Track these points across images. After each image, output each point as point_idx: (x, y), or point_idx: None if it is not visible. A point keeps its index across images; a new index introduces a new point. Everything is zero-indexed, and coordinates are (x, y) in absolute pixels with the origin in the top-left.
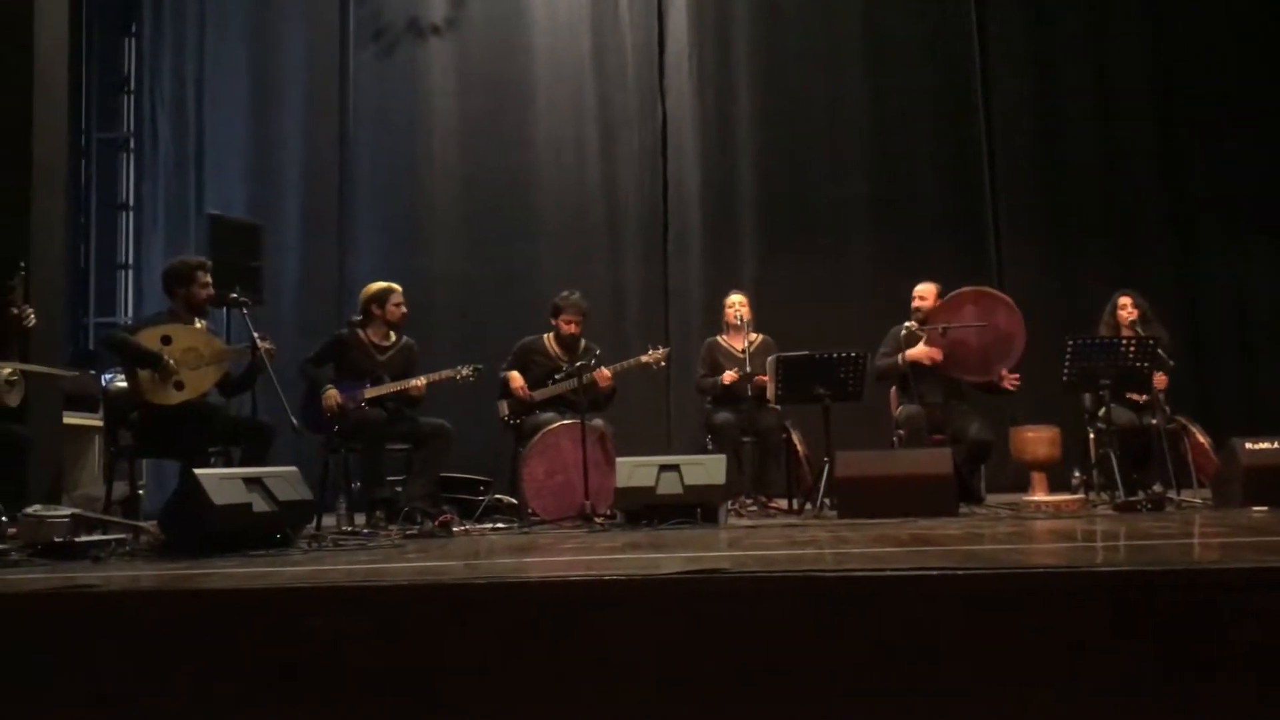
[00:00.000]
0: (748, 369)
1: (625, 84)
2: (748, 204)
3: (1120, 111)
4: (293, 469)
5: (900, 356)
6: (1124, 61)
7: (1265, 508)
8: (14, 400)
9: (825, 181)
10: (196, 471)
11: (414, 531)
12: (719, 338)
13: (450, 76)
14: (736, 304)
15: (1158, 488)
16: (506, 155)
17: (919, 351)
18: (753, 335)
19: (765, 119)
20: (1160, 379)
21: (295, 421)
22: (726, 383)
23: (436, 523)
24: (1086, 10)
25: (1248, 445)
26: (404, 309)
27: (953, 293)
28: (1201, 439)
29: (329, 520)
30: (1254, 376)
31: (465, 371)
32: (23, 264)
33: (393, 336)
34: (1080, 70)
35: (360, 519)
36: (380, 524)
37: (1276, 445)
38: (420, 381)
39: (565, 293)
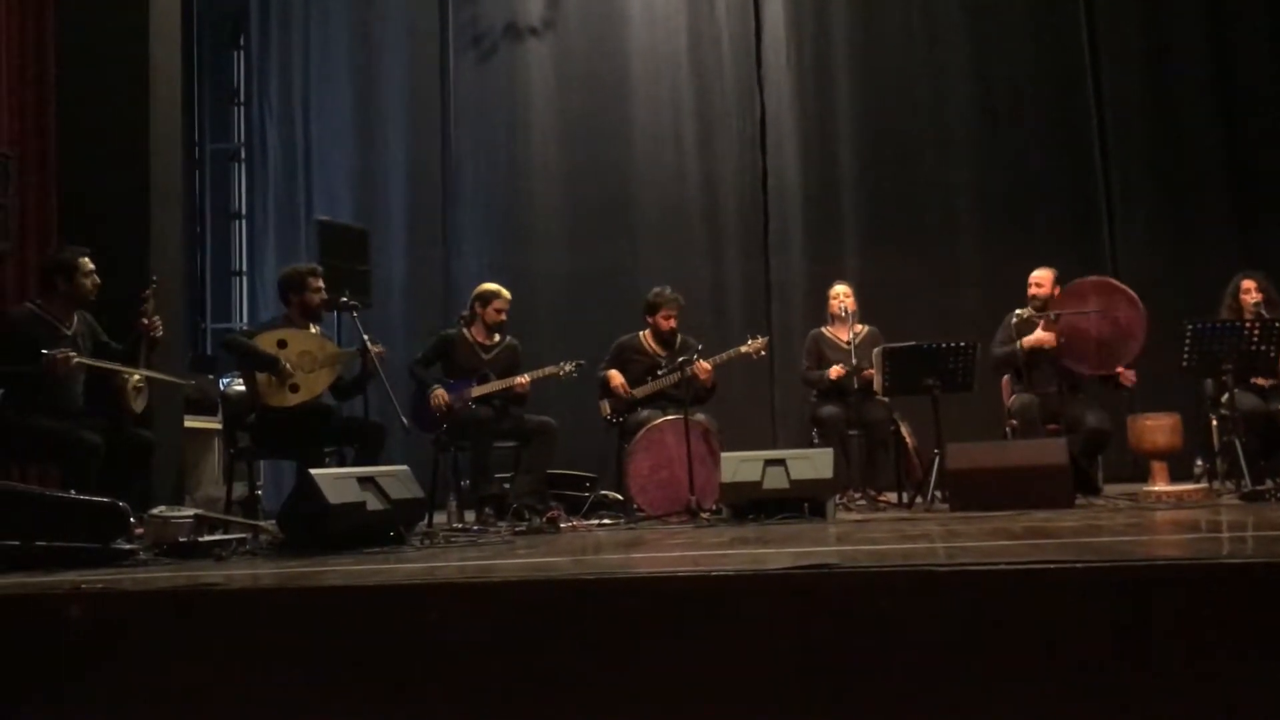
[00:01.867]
0: (854, 361)
1: (723, 76)
2: (850, 194)
3: (1239, 82)
4: (404, 468)
5: (1018, 344)
6: (1244, 23)
7: None
8: (140, 406)
9: (929, 168)
10: (312, 471)
11: (523, 528)
12: (824, 329)
13: (549, 77)
14: (841, 295)
15: None
16: (605, 152)
17: (1035, 337)
18: (858, 326)
19: (866, 107)
20: None
21: (405, 421)
22: (834, 378)
23: (544, 519)
24: None
25: None
26: (504, 316)
27: (1074, 281)
28: None
29: (440, 518)
30: None
31: (568, 368)
32: (155, 277)
33: (497, 336)
34: (1195, 38)
35: (470, 516)
36: (490, 521)
37: None
38: (524, 379)
39: (658, 289)
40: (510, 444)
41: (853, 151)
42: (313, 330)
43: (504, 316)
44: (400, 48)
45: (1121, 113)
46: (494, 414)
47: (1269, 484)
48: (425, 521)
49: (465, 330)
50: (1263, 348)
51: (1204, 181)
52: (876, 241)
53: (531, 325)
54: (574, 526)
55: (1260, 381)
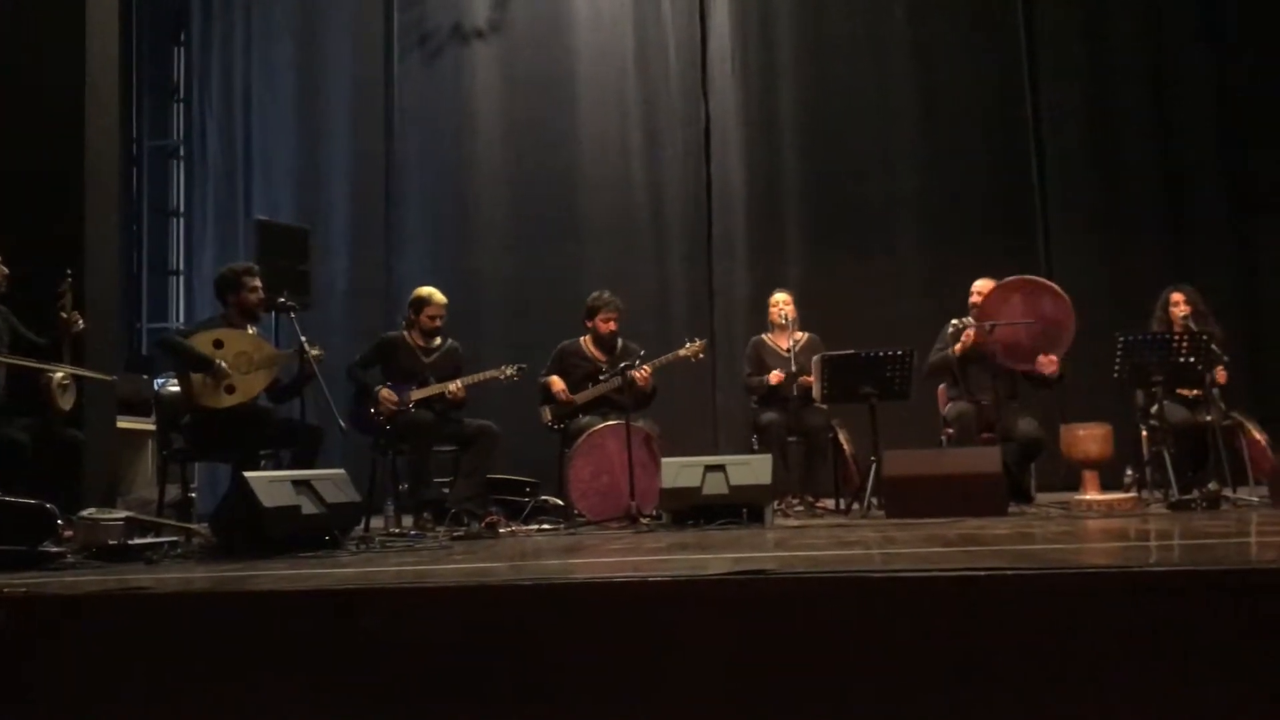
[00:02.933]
0: (793, 368)
1: (668, 83)
2: (793, 202)
3: (1175, 100)
4: (340, 471)
5: (950, 350)
6: (1179, 43)
7: None
8: (67, 404)
9: (872, 178)
10: (246, 474)
11: (461, 533)
12: (764, 336)
13: (494, 79)
14: (781, 303)
15: (1213, 486)
16: (551, 156)
17: (966, 341)
18: (798, 334)
19: (810, 116)
20: (1220, 373)
21: (342, 424)
22: (773, 383)
23: (483, 524)
24: (1138, 9)
25: None
26: (438, 323)
27: (1000, 282)
28: (1258, 435)
29: (377, 522)
30: None
31: (509, 371)
32: (69, 271)
33: (437, 339)
34: (1132, 56)
35: (408, 521)
36: (428, 525)
37: None
38: (455, 385)
39: (597, 293)
40: (450, 448)
41: (796, 160)
42: (250, 331)
43: (438, 323)
44: (344, 47)
45: (1059, 128)
46: (434, 418)
47: (1196, 494)
48: (362, 526)
49: (406, 333)
50: (1191, 360)
51: (1137, 197)
52: (819, 249)
53: (475, 328)
54: (513, 532)
55: (1188, 393)
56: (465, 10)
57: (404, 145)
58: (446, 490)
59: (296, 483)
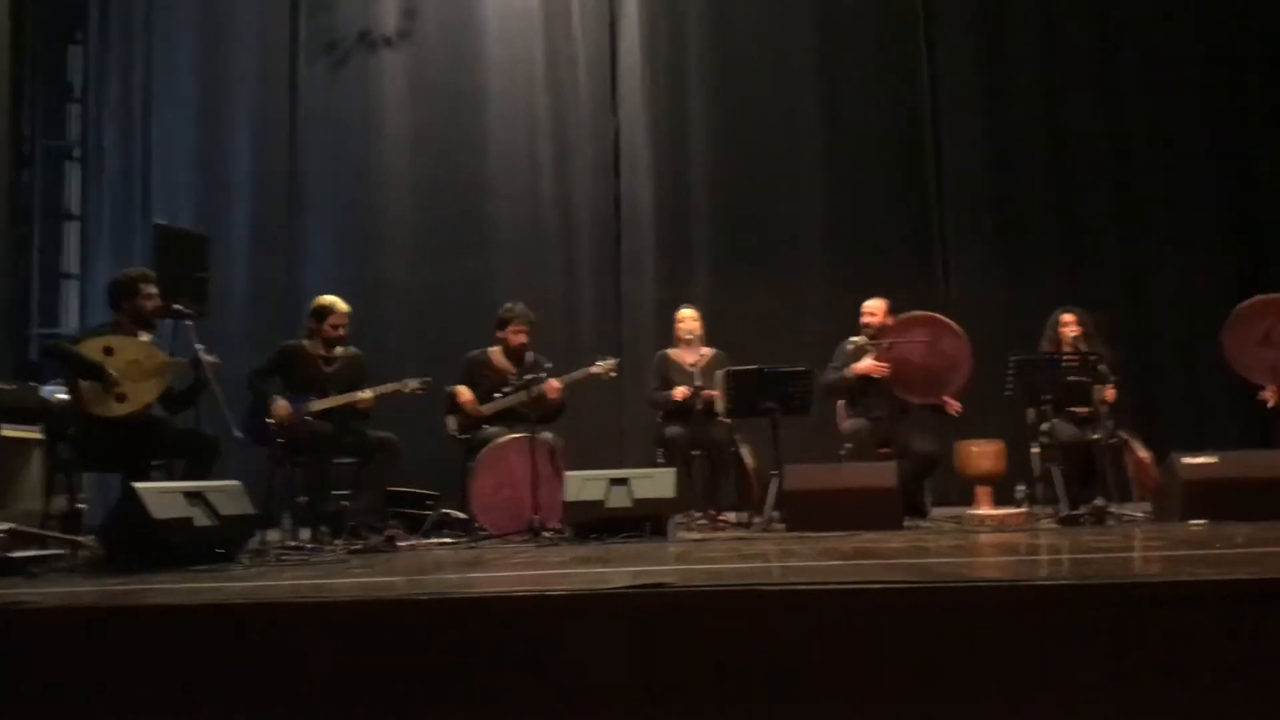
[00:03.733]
0: (698, 383)
1: (578, 98)
2: (701, 219)
3: (1070, 132)
4: (236, 483)
5: (847, 370)
6: (1075, 80)
7: (1203, 521)
8: None
9: (778, 198)
10: (136, 485)
11: (359, 546)
12: (670, 351)
13: (402, 88)
14: (688, 319)
15: (1100, 502)
16: (459, 167)
17: (865, 365)
18: (704, 349)
19: (718, 135)
20: (1109, 392)
21: (238, 434)
22: (678, 399)
23: (382, 537)
24: (1037, 27)
25: (1186, 460)
26: (341, 332)
27: (904, 315)
28: (1143, 453)
29: (273, 535)
30: (1195, 392)
31: (413, 384)
32: None
33: (339, 349)
34: (1029, 89)
35: (305, 534)
36: (325, 539)
37: (1214, 460)
38: (367, 394)
39: (509, 304)
40: (350, 460)
41: (704, 178)
42: (143, 338)
43: (341, 333)
44: (249, 51)
45: (958, 154)
46: (334, 429)
47: (1084, 509)
48: (257, 539)
49: (307, 342)
50: (1080, 379)
51: (1032, 221)
52: (725, 266)
53: (379, 338)
54: (413, 545)
55: (1078, 411)
56: (374, 18)
57: (309, 152)
58: (345, 503)
59: (189, 494)
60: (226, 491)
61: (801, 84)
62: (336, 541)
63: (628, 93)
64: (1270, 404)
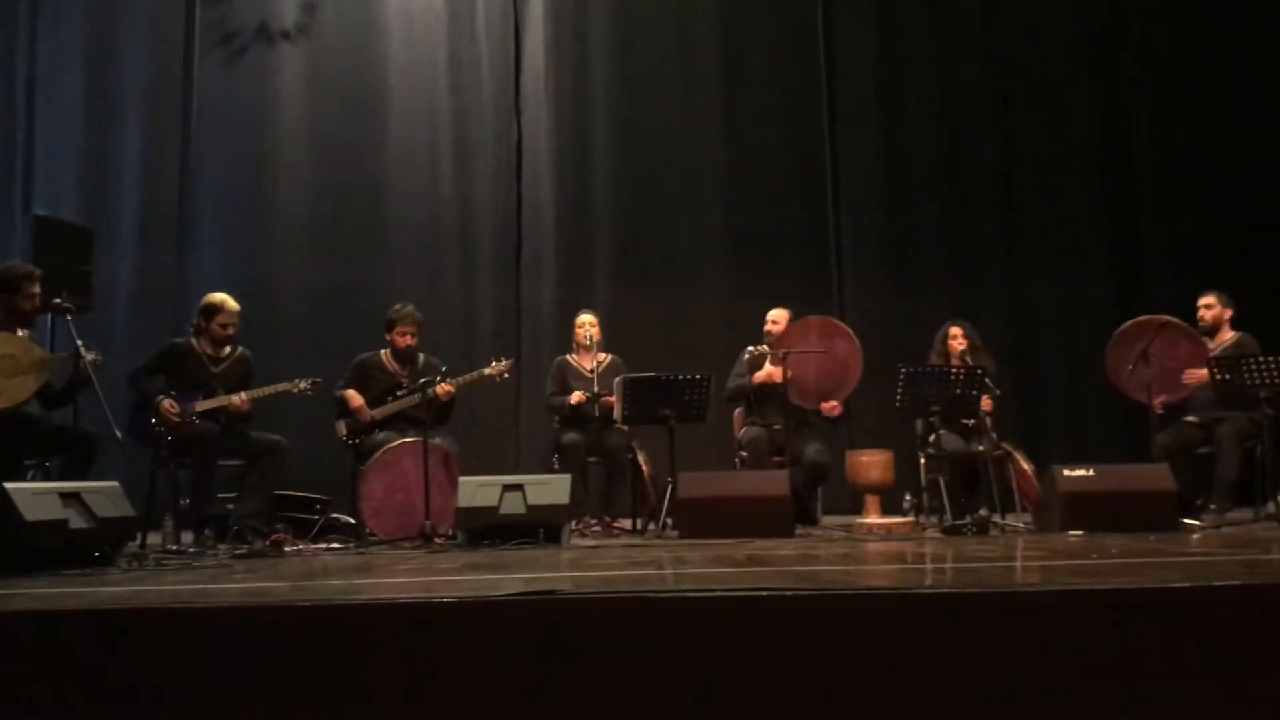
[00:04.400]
0: (595, 389)
1: (481, 100)
2: (602, 224)
3: (961, 152)
4: (114, 484)
5: (750, 377)
6: (967, 104)
7: (1081, 532)
8: None
9: (678, 206)
10: (8, 485)
11: (243, 551)
12: (568, 357)
13: (300, 84)
14: (586, 324)
15: (983, 512)
16: (358, 166)
17: (765, 372)
18: (602, 355)
19: (621, 142)
20: (986, 403)
21: (119, 434)
22: (575, 403)
23: (268, 542)
24: (932, 53)
25: (1066, 472)
26: (230, 331)
27: (800, 320)
28: (1025, 465)
29: (154, 539)
30: (1076, 406)
31: (303, 385)
32: None
33: (227, 348)
34: (923, 110)
35: (188, 537)
36: (209, 543)
37: (1092, 473)
38: (240, 398)
39: (397, 305)
40: (236, 462)
41: (607, 184)
42: (19, 334)
43: (230, 332)
44: (141, 38)
45: (854, 171)
46: (220, 430)
47: (968, 519)
48: (137, 542)
49: (194, 341)
50: (966, 391)
51: (924, 238)
52: (625, 273)
53: (271, 338)
54: (299, 550)
55: (964, 423)
56: (272, 11)
57: (202, 146)
58: (230, 506)
59: (65, 495)
60: (104, 493)
61: (704, 95)
62: (220, 546)
63: (531, 97)
64: (1159, 411)
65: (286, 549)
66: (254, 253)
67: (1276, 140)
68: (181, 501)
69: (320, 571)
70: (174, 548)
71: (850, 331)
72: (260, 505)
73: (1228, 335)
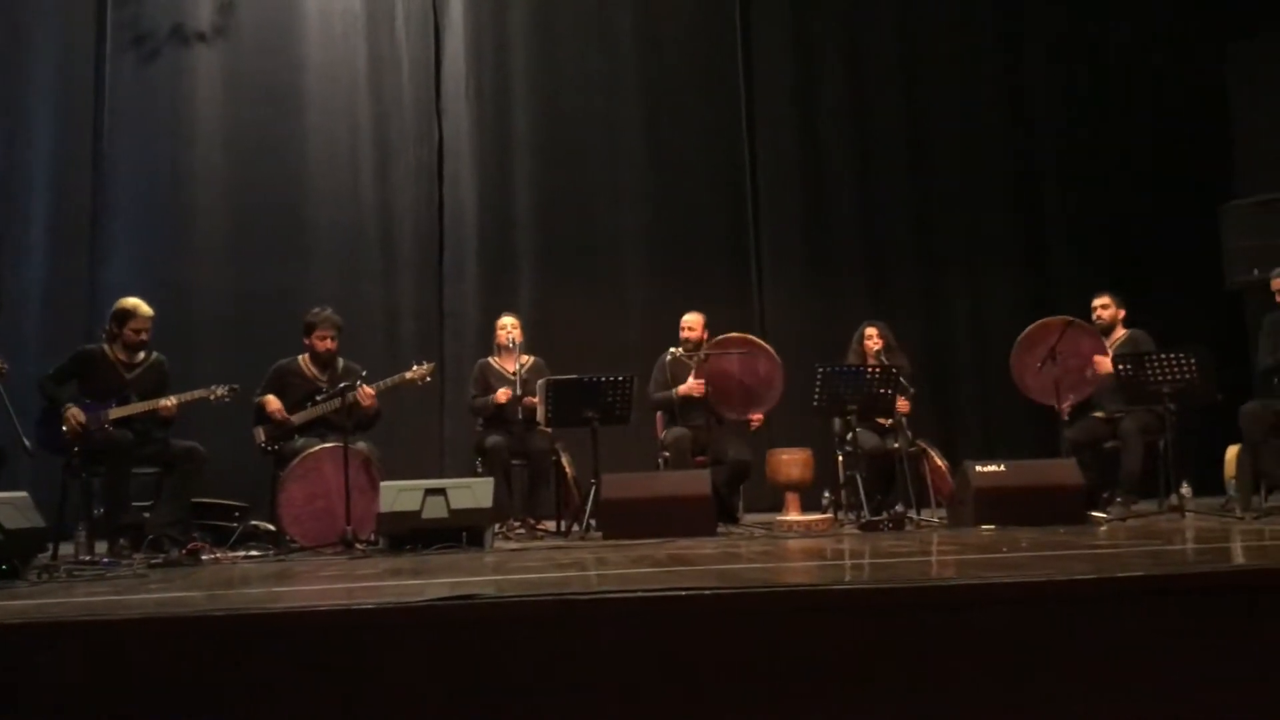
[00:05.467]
0: (519, 391)
1: (402, 102)
2: (525, 228)
3: (877, 157)
4: (23, 494)
5: (674, 391)
6: (883, 109)
7: (993, 526)
8: None
9: (600, 208)
10: None
11: (159, 560)
12: (490, 359)
13: (217, 85)
14: (509, 326)
15: (899, 508)
16: (276, 168)
17: (688, 386)
18: (524, 357)
19: (543, 145)
20: (902, 403)
21: (28, 443)
22: (501, 401)
23: (185, 551)
24: (849, 60)
25: (978, 468)
26: (143, 336)
27: (722, 335)
28: (940, 462)
29: (67, 549)
30: (988, 403)
31: (220, 391)
32: None
33: (141, 354)
34: (841, 114)
35: (102, 548)
36: (124, 553)
37: (1003, 468)
38: (170, 401)
39: (316, 309)
40: (152, 470)
41: (529, 187)
42: None
43: (144, 337)
44: (50, 37)
45: (772, 176)
46: (134, 437)
47: (884, 515)
48: (48, 554)
49: (107, 346)
50: (882, 390)
51: (841, 241)
52: (548, 275)
53: (187, 343)
54: (217, 559)
55: (880, 421)
56: (187, 12)
57: (114, 147)
58: (146, 515)
59: None
60: (12, 503)
61: (624, 97)
62: (135, 555)
63: (452, 99)
64: (1066, 416)
65: (204, 557)
66: (169, 256)
67: (1169, 151)
68: (95, 511)
69: (238, 580)
70: (87, 558)
71: (773, 352)
72: (177, 513)
73: (1121, 332)
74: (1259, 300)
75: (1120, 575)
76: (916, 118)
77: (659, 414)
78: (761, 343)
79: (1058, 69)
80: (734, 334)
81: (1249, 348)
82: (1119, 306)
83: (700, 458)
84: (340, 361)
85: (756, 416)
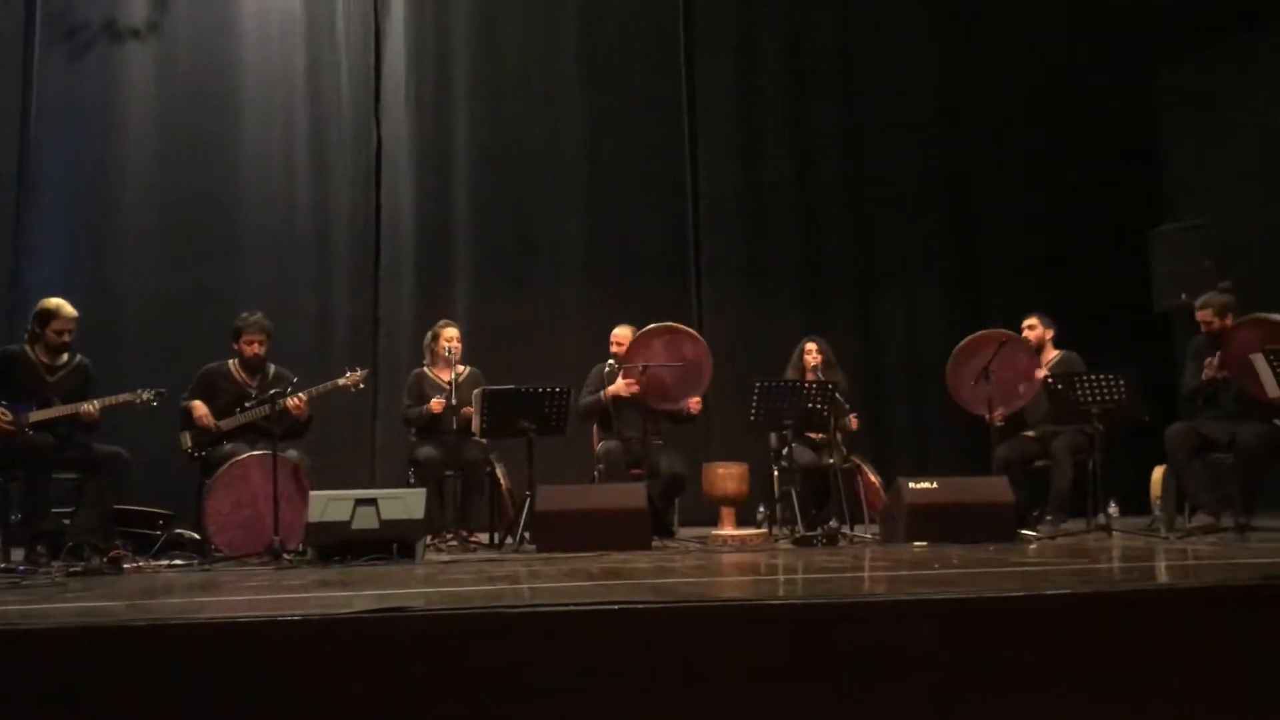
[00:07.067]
0: (453, 401)
1: (340, 106)
2: (463, 235)
3: (815, 172)
4: None
5: (602, 393)
6: (821, 124)
7: (925, 542)
8: None
9: (539, 217)
10: None
11: (79, 569)
12: (426, 369)
13: (149, 83)
14: (453, 338)
15: (833, 523)
16: (209, 169)
17: (618, 386)
18: (461, 368)
19: (482, 152)
20: (853, 421)
21: None
22: (435, 411)
23: (105, 559)
24: (790, 76)
25: (911, 484)
26: (66, 338)
27: (641, 330)
28: (873, 478)
29: None
30: (922, 420)
31: (146, 395)
32: None
33: (65, 356)
34: (780, 131)
35: (19, 554)
36: (41, 560)
37: (935, 485)
38: (93, 405)
39: (245, 313)
40: (73, 475)
41: (468, 194)
42: None
43: (66, 339)
44: None
45: (713, 191)
46: (56, 441)
47: (819, 530)
48: None
49: (28, 348)
50: (818, 406)
51: (781, 256)
52: (486, 283)
53: (113, 346)
54: (139, 568)
55: (815, 436)
56: (120, 8)
57: (42, 145)
58: (66, 521)
59: None
60: None
61: (566, 105)
62: (54, 563)
63: (391, 104)
64: (998, 423)
65: (125, 566)
66: (96, 256)
67: (1102, 175)
68: (12, 516)
69: (161, 589)
70: (2, 566)
71: (692, 331)
72: (98, 520)
73: (1052, 353)
74: (1187, 324)
75: (1048, 593)
76: (855, 135)
77: (595, 426)
78: (680, 326)
79: (993, 93)
80: (653, 325)
81: (1177, 370)
82: (1046, 327)
83: (636, 470)
84: (271, 367)
85: (694, 401)
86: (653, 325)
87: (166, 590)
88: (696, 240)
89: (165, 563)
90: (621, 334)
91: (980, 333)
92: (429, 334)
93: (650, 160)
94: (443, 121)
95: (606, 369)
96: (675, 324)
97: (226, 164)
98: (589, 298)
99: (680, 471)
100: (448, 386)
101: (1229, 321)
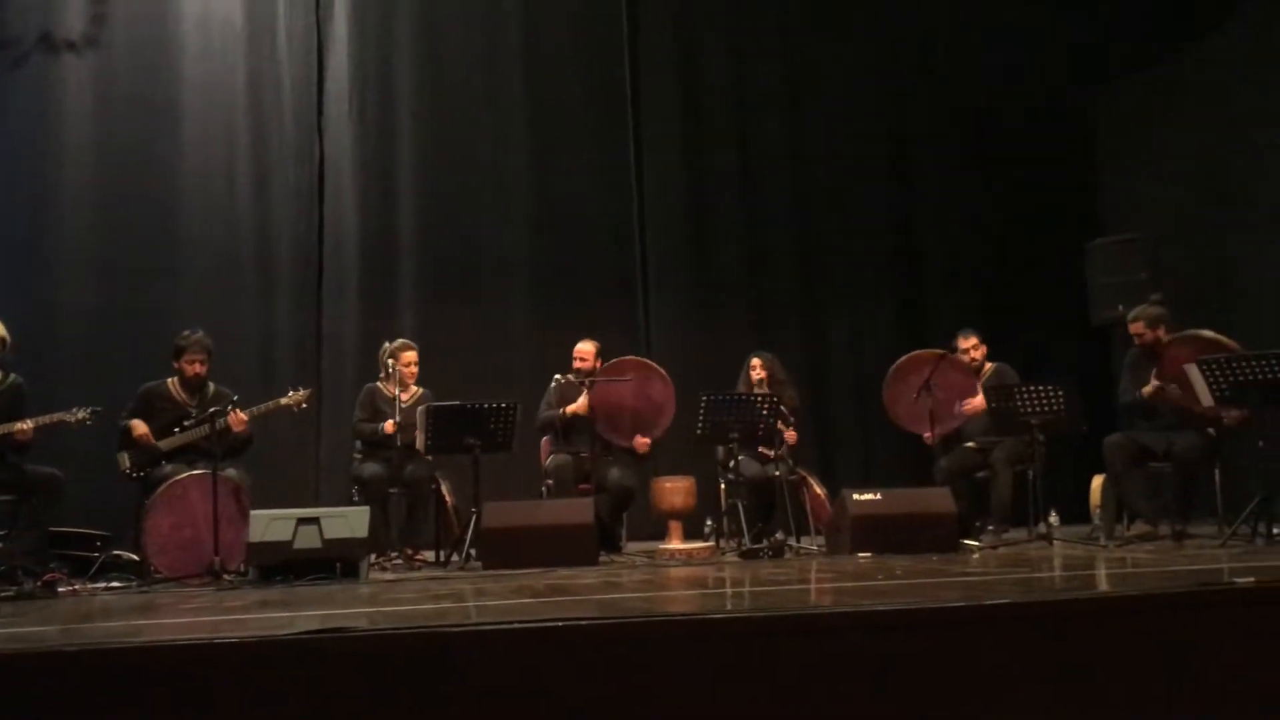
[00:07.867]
0: (398, 418)
1: (282, 120)
2: (408, 250)
3: (760, 189)
4: None
5: (561, 410)
6: (766, 141)
7: (870, 554)
8: None
9: (485, 232)
10: None
11: (12, 593)
12: (380, 384)
13: (87, 97)
14: (412, 362)
15: (779, 535)
16: (148, 184)
17: (577, 405)
18: (414, 388)
19: (427, 166)
20: (790, 435)
21: None
22: (389, 431)
23: (40, 583)
24: (736, 94)
25: (855, 496)
26: None
27: (616, 359)
28: (819, 490)
29: None
30: (866, 433)
31: (81, 415)
32: None
33: None
34: (726, 147)
35: None
36: None
37: (879, 496)
38: (26, 425)
39: (186, 331)
40: (6, 497)
41: (412, 209)
42: None
43: None
44: None
45: (660, 206)
46: None
47: (765, 543)
48: None
49: None
50: (764, 420)
51: (728, 272)
52: (432, 299)
53: (48, 365)
54: (76, 591)
55: (763, 451)
56: (55, 19)
57: None
58: (0, 544)
59: None
60: None
61: (511, 119)
62: None
63: (334, 119)
64: (932, 444)
65: (61, 589)
66: (29, 272)
67: (1040, 190)
68: None
69: (98, 613)
70: None
71: (665, 374)
72: (33, 543)
73: (987, 366)
74: (1124, 335)
75: (990, 603)
76: (800, 153)
77: (544, 440)
78: (656, 366)
79: (935, 108)
80: (629, 357)
81: (1115, 381)
82: (981, 342)
83: (584, 485)
84: (211, 386)
85: (643, 441)
86: (630, 357)
87: (103, 613)
88: (644, 253)
89: (103, 585)
90: (584, 349)
91: (914, 353)
92: (385, 348)
93: (597, 174)
94: (386, 134)
95: (555, 384)
96: (652, 364)
97: (166, 178)
98: (536, 311)
99: (629, 485)
100: (403, 404)
101: (1161, 333)
